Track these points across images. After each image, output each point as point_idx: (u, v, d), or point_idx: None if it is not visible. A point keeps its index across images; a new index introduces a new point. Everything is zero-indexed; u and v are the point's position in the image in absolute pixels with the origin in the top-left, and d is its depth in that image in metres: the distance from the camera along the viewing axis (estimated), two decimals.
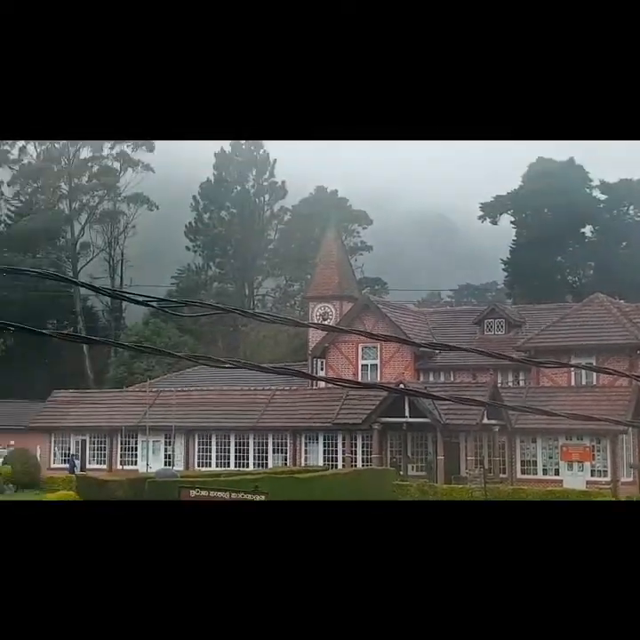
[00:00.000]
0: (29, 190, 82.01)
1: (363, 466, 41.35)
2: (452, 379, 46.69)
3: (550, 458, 41.36)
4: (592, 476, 39.58)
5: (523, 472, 41.57)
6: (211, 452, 44.90)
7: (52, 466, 45.68)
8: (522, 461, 41.96)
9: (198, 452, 45.40)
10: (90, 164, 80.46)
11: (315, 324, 48.43)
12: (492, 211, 70.38)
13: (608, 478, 39.33)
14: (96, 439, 48.20)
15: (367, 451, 42.02)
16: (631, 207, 67.56)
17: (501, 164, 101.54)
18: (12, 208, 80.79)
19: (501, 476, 40.81)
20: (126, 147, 78.99)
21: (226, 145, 79.75)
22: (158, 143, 76.18)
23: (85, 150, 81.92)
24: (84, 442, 47.75)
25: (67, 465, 45.61)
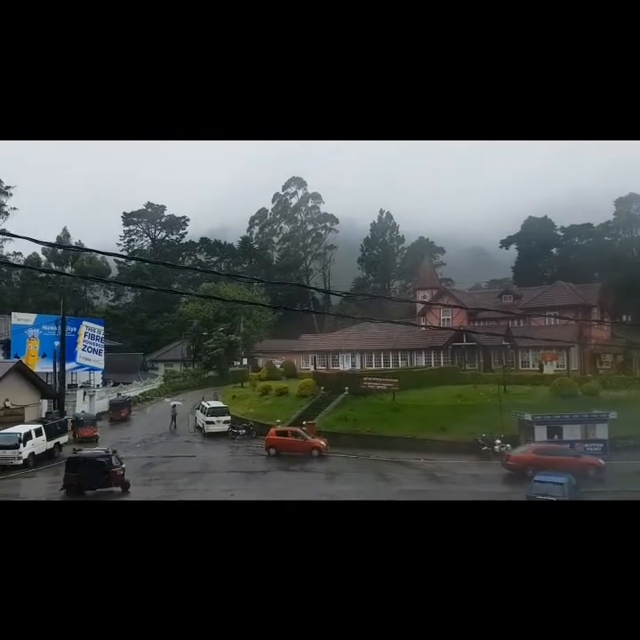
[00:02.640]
0: (285, 246, 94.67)
1: (442, 365, 47.96)
2: (485, 324, 51.76)
3: (536, 360, 46.88)
4: (557, 368, 44.97)
5: (522, 366, 47.22)
6: (372, 360, 52.71)
7: (301, 368, 53.00)
8: (521, 362, 47.70)
9: (366, 360, 52.98)
10: (310, 230, 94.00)
11: (420, 301, 54.23)
12: (506, 242, 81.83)
13: (564, 368, 44.58)
14: (320, 356, 56.02)
15: (445, 359, 48.89)
16: (576, 239, 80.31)
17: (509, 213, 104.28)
18: (281, 253, 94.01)
19: (511, 368, 44.73)
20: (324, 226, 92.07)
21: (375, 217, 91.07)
22: (340, 218, 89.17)
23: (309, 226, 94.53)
24: (314, 357, 56.28)
25: (310, 367, 53.17)
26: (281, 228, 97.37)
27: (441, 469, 27.20)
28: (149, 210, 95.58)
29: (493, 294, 58.76)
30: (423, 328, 50.73)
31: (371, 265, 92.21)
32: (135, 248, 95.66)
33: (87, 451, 25.52)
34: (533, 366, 47.05)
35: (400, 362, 51.69)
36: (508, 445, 29.76)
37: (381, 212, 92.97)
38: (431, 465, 27.91)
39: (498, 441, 29.62)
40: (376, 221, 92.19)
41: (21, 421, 32.25)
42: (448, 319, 53.00)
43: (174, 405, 41.20)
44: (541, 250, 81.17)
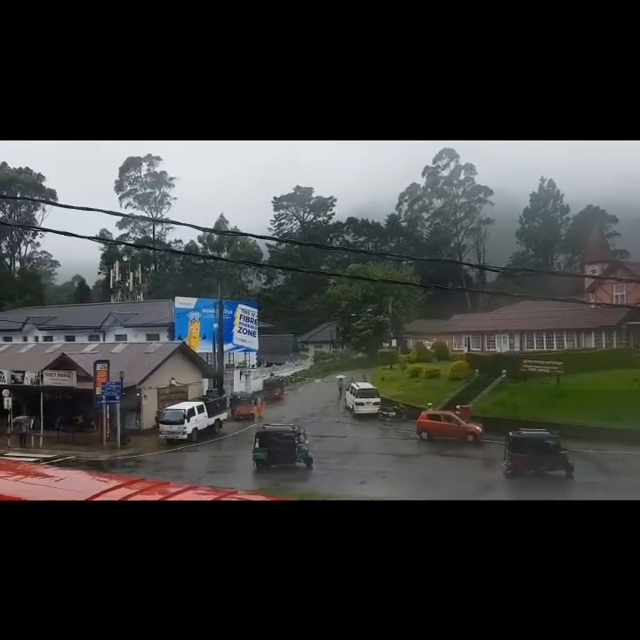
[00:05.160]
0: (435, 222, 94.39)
1: (615, 347, 45.12)
2: None
3: None
4: None
5: None
6: (533, 342, 50.82)
7: (453, 350, 52.10)
8: None
9: (526, 341, 51.16)
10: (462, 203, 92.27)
11: (589, 276, 50.70)
12: None
13: None
14: (474, 337, 54.95)
15: (619, 340, 46.18)
16: None
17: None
18: (431, 229, 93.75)
19: None
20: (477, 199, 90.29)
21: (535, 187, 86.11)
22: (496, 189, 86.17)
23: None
24: (468, 338, 55.09)
25: (463, 348, 52.50)
26: (431, 202, 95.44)
27: (615, 460, 25.76)
28: (298, 193, 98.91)
29: None
30: (593, 306, 46.90)
31: (531, 238, 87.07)
32: (285, 231, 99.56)
33: (275, 426, 27.00)
34: None
35: (565, 343, 49.02)
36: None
37: (542, 180, 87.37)
38: (604, 455, 26.49)
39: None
40: (536, 191, 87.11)
41: (185, 399, 34.76)
42: (622, 295, 48.98)
43: (341, 379, 44.10)
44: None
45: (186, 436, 30.53)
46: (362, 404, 36.63)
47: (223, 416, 35.05)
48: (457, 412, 30.92)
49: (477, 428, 29.29)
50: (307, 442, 24.90)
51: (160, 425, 31.82)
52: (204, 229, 49.36)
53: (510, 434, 23.29)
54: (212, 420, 33.31)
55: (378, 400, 37.07)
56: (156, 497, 11.40)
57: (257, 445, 24.52)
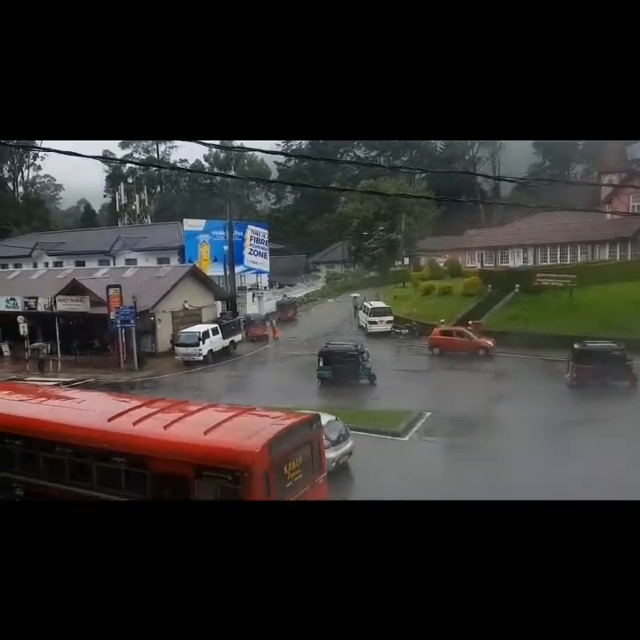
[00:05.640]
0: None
1: (631, 259, 43.50)
2: None
3: None
4: None
5: None
6: (546, 255, 49.58)
7: (466, 266, 50.01)
8: None
9: (539, 256, 50.06)
10: None
11: (605, 184, 47.37)
12: None
13: None
14: (487, 252, 53.54)
15: (634, 252, 44.76)
16: None
17: None
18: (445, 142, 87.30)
19: None
20: None
21: None
22: None
23: None
24: (481, 254, 53.93)
25: (476, 264, 50.81)
26: None
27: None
28: None
29: None
30: (609, 216, 45.72)
31: (547, 149, 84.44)
32: (294, 148, 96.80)
33: (338, 345, 27.41)
34: None
35: (580, 256, 48.02)
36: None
37: None
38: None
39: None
40: None
41: (199, 322, 35.33)
42: (638, 206, 47.33)
43: (355, 297, 44.05)
44: None
45: (202, 358, 31.22)
46: (375, 322, 36.94)
47: (237, 338, 35.57)
48: (469, 328, 31.13)
49: (489, 342, 29.61)
50: (369, 359, 25.41)
51: (176, 347, 32.49)
52: (210, 145, 47.48)
53: (575, 346, 23.88)
54: (226, 342, 33.88)
55: (391, 318, 37.20)
56: (177, 414, 11.88)
57: (321, 364, 25.22)
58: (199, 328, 32.91)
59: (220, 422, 10.05)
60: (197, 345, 31.43)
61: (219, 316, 39.28)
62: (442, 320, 34.07)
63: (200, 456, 9.23)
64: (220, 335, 33.28)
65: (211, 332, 32.52)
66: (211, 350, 32.15)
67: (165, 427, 10.09)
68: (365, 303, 40.22)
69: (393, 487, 12.94)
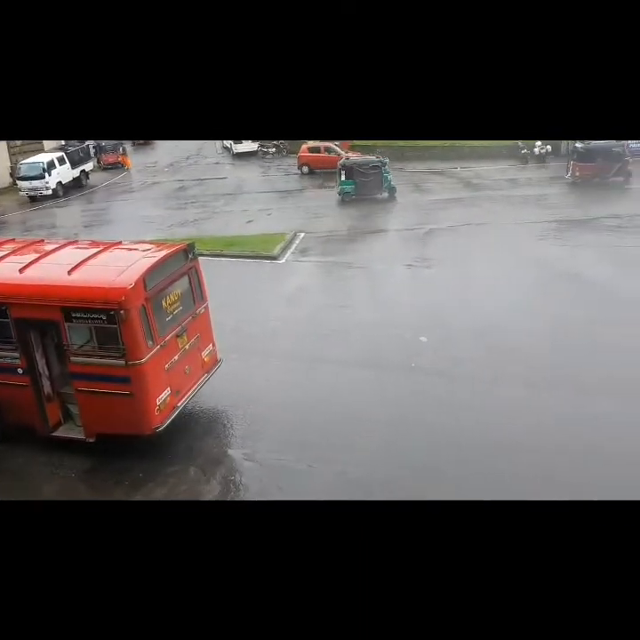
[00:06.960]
0: None
1: None
2: None
3: None
4: None
5: None
6: None
7: None
8: None
9: None
10: None
11: None
12: None
13: None
14: None
15: None
16: None
17: None
18: None
19: None
20: None
21: None
22: None
23: None
24: None
25: None
26: None
27: (478, 176, 27.91)
28: None
29: None
30: None
31: None
32: None
33: (359, 157, 26.38)
34: None
35: None
36: (548, 147, 29.22)
37: None
38: (468, 172, 28.77)
39: (539, 143, 29.14)
40: None
41: (41, 151, 32.49)
42: None
43: None
44: None
45: (50, 192, 28.99)
46: (240, 142, 35.18)
47: (89, 166, 33.10)
48: (337, 144, 30.51)
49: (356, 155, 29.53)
50: (390, 172, 24.73)
51: (18, 182, 29.81)
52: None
53: (576, 145, 24.69)
54: (76, 172, 31.45)
55: None
56: (33, 255, 10.85)
57: (342, 178, 24.16)
58: (42, 157, 30.05)
59: (85, 259, 9.34)
60: (43, 177, 28.95)
61: (63, 143, 35.80)
62: None
63: (66, 297, 8.59)
64: (68, 165, 30.71)
65: (56, 162, 29.89)
66: (60, 182, 29.72)
67: (21, 270, 9.23)
68: None
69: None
